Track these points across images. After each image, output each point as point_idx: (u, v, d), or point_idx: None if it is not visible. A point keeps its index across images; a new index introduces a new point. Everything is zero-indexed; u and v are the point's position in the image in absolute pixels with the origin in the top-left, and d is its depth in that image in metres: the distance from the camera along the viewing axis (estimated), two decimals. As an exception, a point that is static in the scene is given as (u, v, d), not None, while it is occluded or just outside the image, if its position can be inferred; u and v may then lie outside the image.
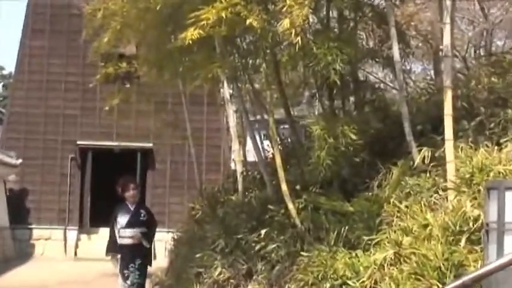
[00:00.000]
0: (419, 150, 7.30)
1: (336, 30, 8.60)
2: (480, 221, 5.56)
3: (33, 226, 22.23)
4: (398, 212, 6.78)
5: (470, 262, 5.52)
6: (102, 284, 14.30)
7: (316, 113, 12.20)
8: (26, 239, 22.13)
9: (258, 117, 12.09)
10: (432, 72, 13.89)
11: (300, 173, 8.66)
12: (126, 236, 9.95)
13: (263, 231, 8.37)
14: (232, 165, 19.86)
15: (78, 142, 22.32)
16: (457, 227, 5.86)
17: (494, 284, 4.10)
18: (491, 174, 6.21)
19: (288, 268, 7.70)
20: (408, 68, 12.32)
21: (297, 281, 7.08)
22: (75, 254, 21.64)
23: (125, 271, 9.92)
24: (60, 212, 22.33)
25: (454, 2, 7.58)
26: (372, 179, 7.78)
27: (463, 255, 5.60)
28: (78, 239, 22.03)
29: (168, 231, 16.27)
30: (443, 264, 5.58)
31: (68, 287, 15.34)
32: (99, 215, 18.20)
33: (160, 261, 15.08)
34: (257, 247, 8.44)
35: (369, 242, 6.67)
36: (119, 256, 10.02)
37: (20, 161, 21.49)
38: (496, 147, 6.76)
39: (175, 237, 14.46)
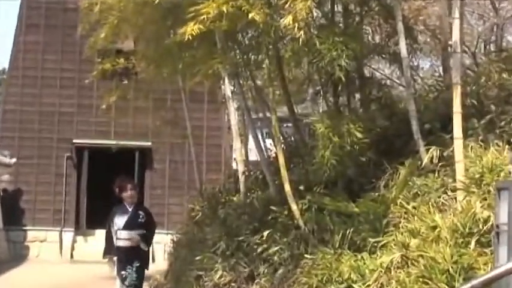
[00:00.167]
0: (427, 150, 7.31)
1: (341, 25, 8.60)
2: (490, 223, 5.57)
3: (27, 227, 22.23)
4: (405, 213, 6.79)
5: (480, 265, 5.52)
6: (98, 287, 14.31)
7: (321, 110, 12.21)
8: (21, 240, 22.13)
9: (260, 115, 12.10)
10: (441, 68, 13.85)
11: (304, 172, 8.67)
12: (124, 238, 9.94)
13: (265, 233, 8.38)
14: (234, 164, 19.87)
15: (74, 141, 22.33)
16: (467, 229, 5.87)
17: (505, 288, 4.10)
18: (502, 174, 6.23)
19: (292, 271, 7.71)
20: (416, 64, 12.33)
21: (300, 284, 7.09)
22: (71, 256, 21.64)
23: (123, 272, 9.93)
24: (56, 213, 22.34)
25: (464, -4, 7.59)
26: (378, 179, 7.79)
27: (473, 258, 5.61)
28: (74, 241, 22.04)
29: (167, 233, 16.28)
30: (452, 267, 5.59)
31: (64, 290, 15.35)
32: (96, 216, 18.21)
33: (159, 263, 15.09)
34: (259, 249, 8.45)
35: (375, 244, 6.68)
36: (115, 258, 10.03)
37: (14, 160, 21.51)
38: (506, 146, 6.77)
39: (175, 239, 14.48)
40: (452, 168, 6.81)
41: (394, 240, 6.48)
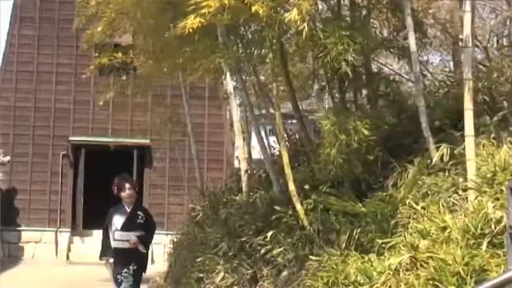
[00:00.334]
0: (438, 147, 7.30)
1: (347, 18, 8.60)
2: (503, 223, 5.56)
3: (22, 228, 22.27)
4: (414, 213, 6.78)
5: (492, 267, 5.52)
6: (95, 290, 14.34)
7: (326, 107, 12.22)
8: (15, 241, 22.16)
9: (264, 111, 12.12)
10: (451, 63, 13.87)
11: (309, 171, 8.68)
12: (121, 239, 9.94)
13: (269, 234, 8.39)
14: (236, 163, 19.91)
15: (71, 138, 22.35)
16: (478, 230, 5.86)
17: (518, 291, 4.10)
18: (515, 173, 6.22)
19: (296, 273, 7.72)
20: (425, 59, 12.35)
21: (305, 286, 7.09)
22: (67, 257, 21.67)
23: (118, 276, 9.92)
24: (52, 213, 22.37)
25: (475, -12, 7.58)
26: (386, 178, 7.79)
27: (485, 260, 5.60)
28: (70, 242, 22.07)
29: (167, 234, 16.29)
30: (463, 270, 5.59)
31: (60, 293, 15.39)
32: (93, 216, 18.21)
33: (159, 265, 15.12)
34: (262, 250, 8.47)
35: (383, 246, 6.68)
36: (111, 260, 10.03)
37: (8, 158, 21.53)
38: (520, 144, 6.77)
39: (175, 240, 14.49)
40: (463, 167, 6.81)
41: (402, 241, 6.48)
